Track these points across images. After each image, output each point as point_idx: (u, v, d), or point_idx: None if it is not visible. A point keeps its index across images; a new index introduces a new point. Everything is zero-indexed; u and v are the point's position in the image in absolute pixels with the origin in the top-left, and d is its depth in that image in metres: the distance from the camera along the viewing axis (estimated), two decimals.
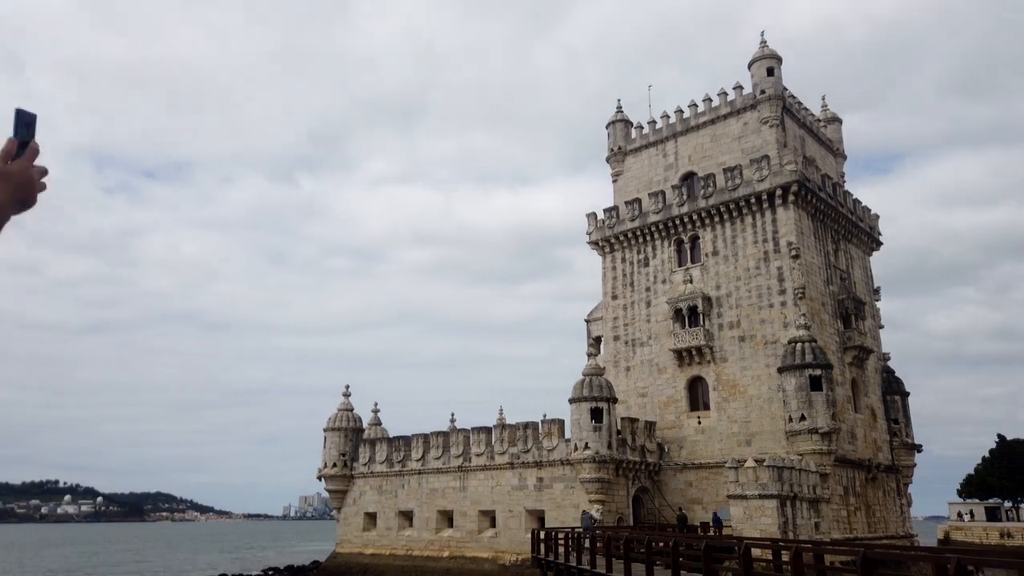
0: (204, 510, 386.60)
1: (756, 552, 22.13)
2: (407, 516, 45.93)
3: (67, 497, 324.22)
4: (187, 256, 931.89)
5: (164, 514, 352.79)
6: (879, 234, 49.47)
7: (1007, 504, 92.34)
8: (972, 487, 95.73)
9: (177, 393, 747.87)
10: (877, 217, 49.68)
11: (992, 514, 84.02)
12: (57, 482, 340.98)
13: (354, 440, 49.57)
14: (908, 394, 45.53)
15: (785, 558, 19.03)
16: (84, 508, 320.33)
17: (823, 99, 53.14)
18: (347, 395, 50.96)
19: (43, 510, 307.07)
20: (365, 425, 51.05)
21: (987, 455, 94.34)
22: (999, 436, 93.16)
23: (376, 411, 52.89)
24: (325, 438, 49.70)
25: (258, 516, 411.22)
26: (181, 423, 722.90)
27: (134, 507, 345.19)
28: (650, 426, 41.07)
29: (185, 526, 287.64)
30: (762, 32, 45.05)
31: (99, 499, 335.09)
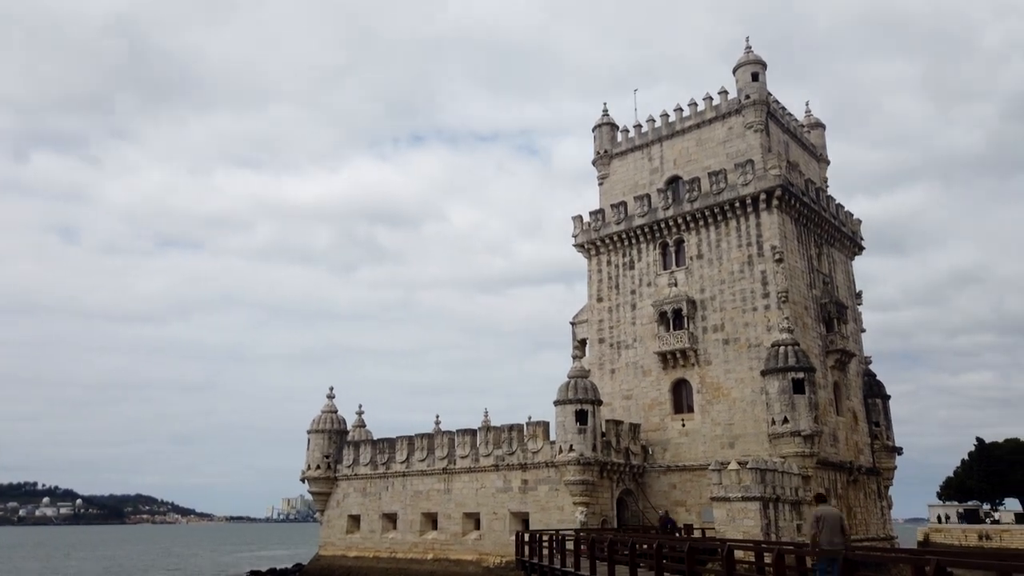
0: (185, 512, 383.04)
1: (739, 554, 22.23)
2: (391, 518, 45.79)
3: (45, 499, 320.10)
4: None
5: (145, 516, 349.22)
6: (861, 239, 50.00)
7: (986, 506, 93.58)
8: (952, 490, 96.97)
9: (57, 389, 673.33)
10: (859, 222, 50.20)
11: (971, 516, 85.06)
12: (35, 484, 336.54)
13: (338, 442, 49.37)
14: (889, 397, 46.02)
15: (768, 560, 19.15)
16: (63, 511, 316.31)
17: (807, 105, 53.71)
18: (331, 397, 50.77)
19: (21, 512, 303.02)
20: (349, 427, 50.88)
21: (966, 458, 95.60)
22: (978, 439, 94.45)
23: (360, 413, 52.74)
24: (308, 440, 49.46)
25: (240, 518, 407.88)
26: (83, 421, 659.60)
27: (114, 509, 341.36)
28: (635, 428, 41.22)
29: (166, 528, 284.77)
30: (747, 37, 45.44)
31: (78, 501, 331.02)
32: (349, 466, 48.27)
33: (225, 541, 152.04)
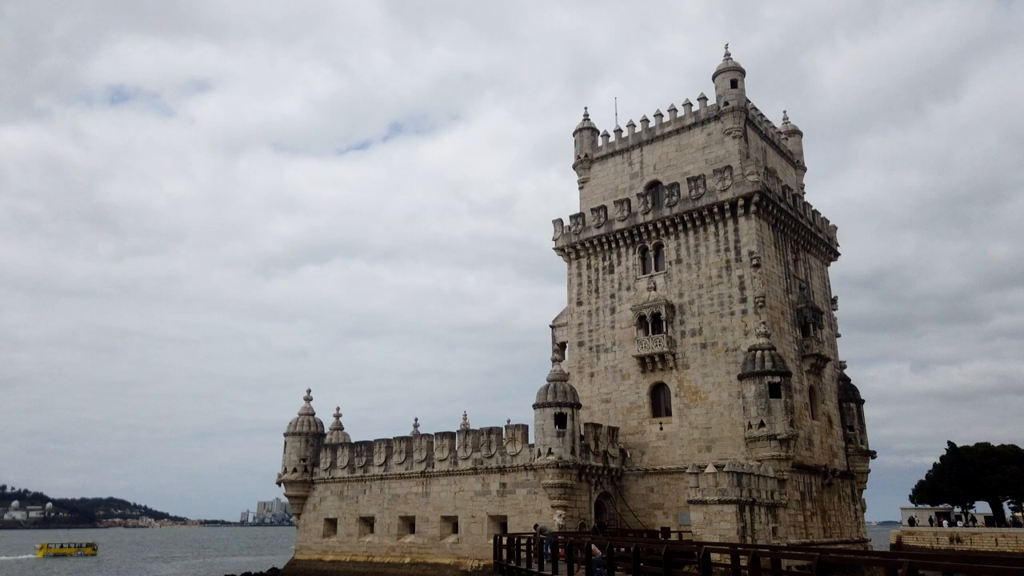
0: (158, 516, 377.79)
1: (715, 557, 22.41)
2: (368, 522, 45.51)
3: (15, 503, 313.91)
4: None
5: (117, 520, 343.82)
6: (837, 245, 50.63)
7: (957, 509, 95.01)
8: (924, 493, 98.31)
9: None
10: (835, 228, 50.85)
11: (943, 519, 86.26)
12: (4, 487, 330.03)
13: (315, 445, 48.99)
14: (863, 401, 46.62)
15: (743, 562, 19.30)
16: (33, 514, 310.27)
17: (784, 112, 54.32)
18: (308, 399, 50.37)
19: None
20: (327, 430, 50.51)
21: (938, 462, 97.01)
22: (949, 443, 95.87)
23: (338, 416, 52.39)
24: (285, 443, 49.01)
25: (215, 522, 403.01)
26: None
27: (85, 513, 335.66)
28: (613, 432, 41.35)
29: (138, 532, 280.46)
30: (726, 45, 45.87)
31: (48, 505, 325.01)
32: (326, 469, 47.90)
33: (195, 546, 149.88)
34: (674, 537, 35.36)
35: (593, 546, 23.48)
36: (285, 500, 53.55)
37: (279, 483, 49.43)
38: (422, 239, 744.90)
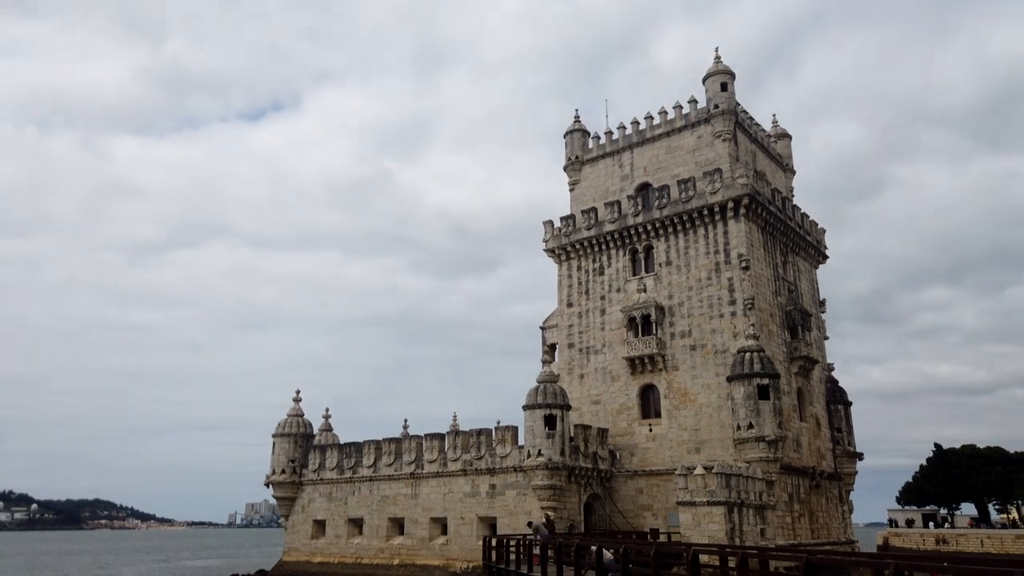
0: (145, 518, 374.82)
1: (704, 558, 22.49)
2: (357, 524, 45.37)
3: None
4: None
5: (103, 522, 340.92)
6: (825, 248, 50.95)
7: (943, 511, 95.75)
8: (910, 495, 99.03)
9: None
10: (824, 231, 51.16)
11: (929, 520, 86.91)
12: None
13: (304, 446, 48.80)
14: (851, 404, 46.91)
15: (732, 564, 19.37)
16: (17, 516, 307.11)
17: (773, 116, 54.63)
18: (298, 400, 50.17)
19: None
20: (316, 431, 50.33)
21: (924, 464, 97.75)
22: (936, 446, 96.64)
23: (327, 417, 52.20)
24: (274, 444, 48.78)
25: (202, 524, 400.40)
26: None
27: (70, 515, 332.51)
28: (602, 433, 41.40)
29: (124, 534, 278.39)
30: (716, 48, 46.12)
31: (33, 506, 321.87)
32: (315, 470, 47.73)
33: (182, 547, 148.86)
34: (663, 539, 35.45)
35: (605, 550, 22.45)
36: (273, 501, 53.32)
37: (267, 484, 49.19)
38: (296, 226, 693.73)
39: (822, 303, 49.83)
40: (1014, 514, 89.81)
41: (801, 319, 43.70)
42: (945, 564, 13.87)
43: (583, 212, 47.08)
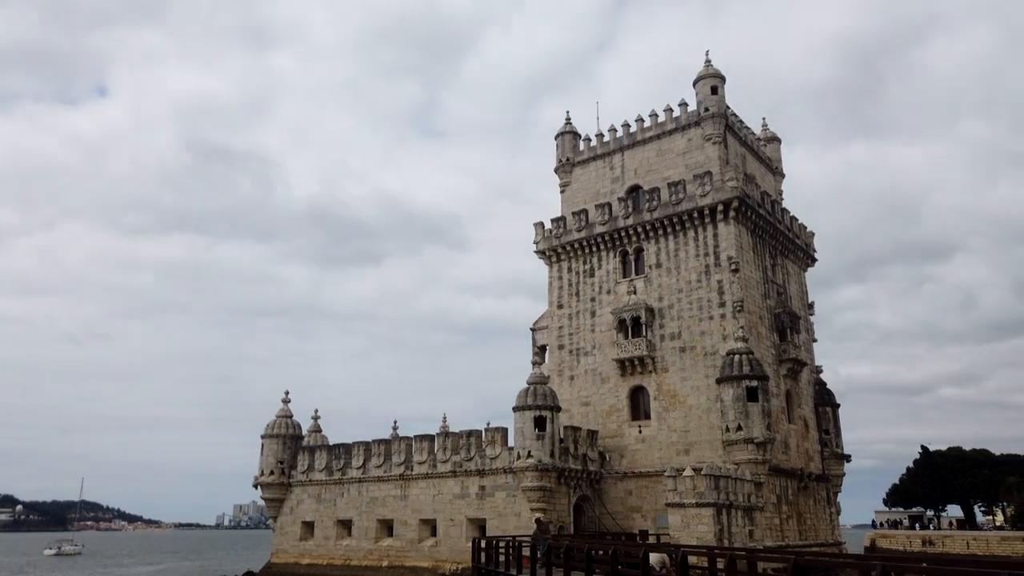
0: (132, 519, 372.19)
1: (693, 559, 22.54)
2: (346, 525, 45.23)
3: None
4: None
5: (89, 523, 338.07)
6: (814, 251, 51.24)
7: (929, 513, 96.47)
8: (897, 496, 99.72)
9: None
10: (812, 235, 51.45)
11: (915, 522, 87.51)
12: None
13: (292, 447, 48.61)
14: (839, 406, 47.17)
15: (720, 565, 19.45)
16: (2, 517, 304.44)
17: (763, 120, 54.93)
18: (287, 401, 49.98)
19: None
20: (305, 432, 50.12)
21: (911, 466, 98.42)
22: (922, 448, 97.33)
23: (316, 418, 51.99)
24: (263, 445, 48.57)
25: (190, 525, 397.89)
26: None
27: (56, 516, 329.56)
28: (592, 435, 41.46)
29: (110, 536, 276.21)
30: (707, 52, 46.31)
31: (19, 507, 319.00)
32: (304, 472, 47.55)
33: (167, 549, 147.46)
34: (652, 540, 35.51)
35: (654, 555, 20.74)
36: (262, 503, 53.07)
37: (255, 486, 48.98)
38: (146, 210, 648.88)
39: (811, 306, 50.10)
40: (999, 516, 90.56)
41: (790, 321, 43.92)
42: (924, 564, 13.99)
43: (574, 214, 47.15)
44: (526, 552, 27.87)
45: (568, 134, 50.96)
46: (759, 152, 50.77)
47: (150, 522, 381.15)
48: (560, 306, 46.89)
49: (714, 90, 44.87)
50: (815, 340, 49.67)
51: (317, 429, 51.03)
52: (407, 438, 44.11)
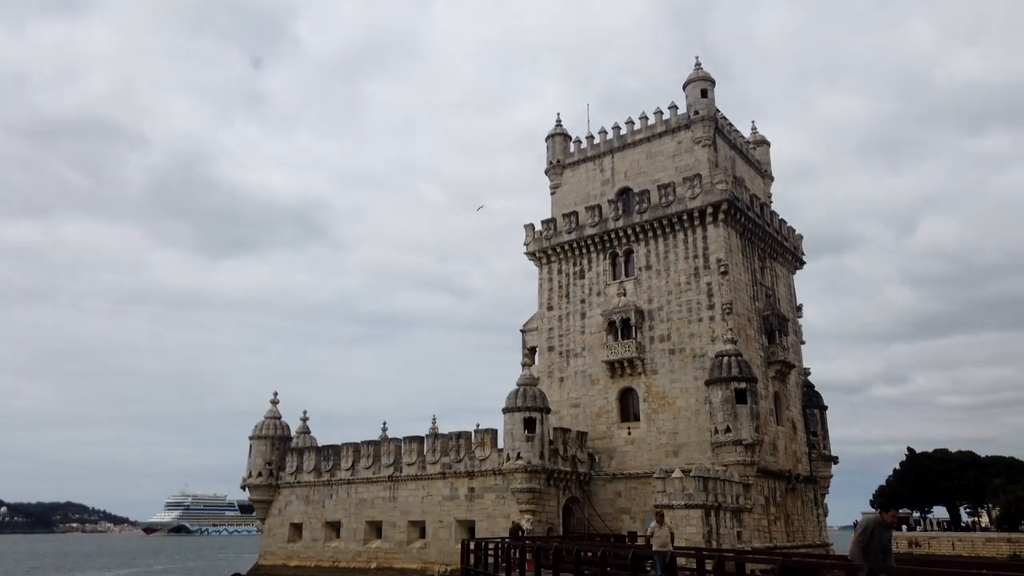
0: (118, 521, 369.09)
1: (681, 561, 22.60)
2: (334, 527, 45.08)
3: None
4: None
5: (75, 525, 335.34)
6: (803, 254, 51.54)
7: (915, 514, 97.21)
8: (884, 498, 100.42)
9: None
10: (801, 237, 51.76)
11: (902, 524, 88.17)
12: None
13: (281, 449, 48.41)
14: (826, 408, 47.43)
15: (709, 567, 19.51)
16: None
17: (752, 123, 55.23)
18: (275, 402, 49.76)
19: None
20: (293, 434, 49.93)
21: (897, 467, 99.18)
22: (909, 450, 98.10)
23: (305, 419, 51.81)
24: (251, 447, 48.36)
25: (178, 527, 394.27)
26: None
27: (41, 518, 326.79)
28: (582, 436, 41.51)
29: (95, 538, 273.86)
30: (696, 56, 46.52)
31: (3, 509, 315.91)
32: (292, 473, 47.36)
33: (142, 553, 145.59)
34: (641, 542, 35.57)
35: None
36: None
37: (244, 487, 48.76)
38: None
39: (799, 308, 50.38)
40: (984, 517, 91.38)
41: (778, 324, 44.14)
42: (908, 567, 14.10)
43: (564, 216, 47.23)
44: (530, 556, 27.58)
45: (558, 136, 51.04)
46: (748, 155, 51.03)
47: (137, 524, 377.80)
48: (550, 308, 46.93)
49: (704, 93, 45.06)
50: (803, 342, 49.95)
51: (306, 430, 50.86)
52: (396, 439, 44.04)
